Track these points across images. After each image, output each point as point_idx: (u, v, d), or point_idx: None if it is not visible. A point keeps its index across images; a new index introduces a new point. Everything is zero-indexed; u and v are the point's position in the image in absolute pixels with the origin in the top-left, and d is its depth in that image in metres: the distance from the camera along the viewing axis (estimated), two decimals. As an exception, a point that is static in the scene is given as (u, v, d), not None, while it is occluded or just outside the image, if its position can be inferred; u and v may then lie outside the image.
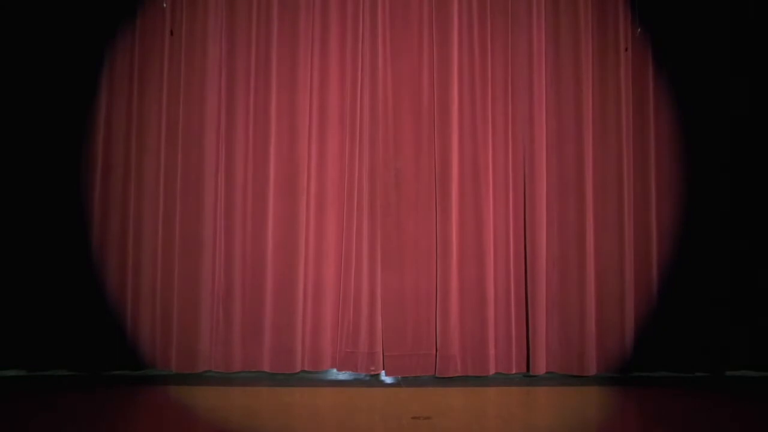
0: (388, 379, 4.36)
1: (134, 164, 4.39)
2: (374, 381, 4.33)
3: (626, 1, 4.60)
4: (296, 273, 4.35)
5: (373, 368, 4.32)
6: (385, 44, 4.48)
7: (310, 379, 4.33)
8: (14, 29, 4.32)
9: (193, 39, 4.45)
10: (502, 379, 4.33)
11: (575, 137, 4.49)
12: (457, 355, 4.33)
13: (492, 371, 4.34)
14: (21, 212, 4.27)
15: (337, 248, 4.42)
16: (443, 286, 4.35)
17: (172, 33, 4.43)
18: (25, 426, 3.14)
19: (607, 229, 4.48)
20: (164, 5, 4.42)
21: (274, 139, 4.42)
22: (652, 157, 4.54)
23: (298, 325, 4.33)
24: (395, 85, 4.45)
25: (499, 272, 4.42)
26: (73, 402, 3.64)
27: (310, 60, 4.48)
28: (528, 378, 4.36)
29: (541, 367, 4.34)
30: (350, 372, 4.37)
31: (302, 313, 4.35)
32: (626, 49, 4.56)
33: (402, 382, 4.32)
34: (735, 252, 4.49)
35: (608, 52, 4.57)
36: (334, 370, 4.40)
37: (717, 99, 4.56)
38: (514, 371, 4.38)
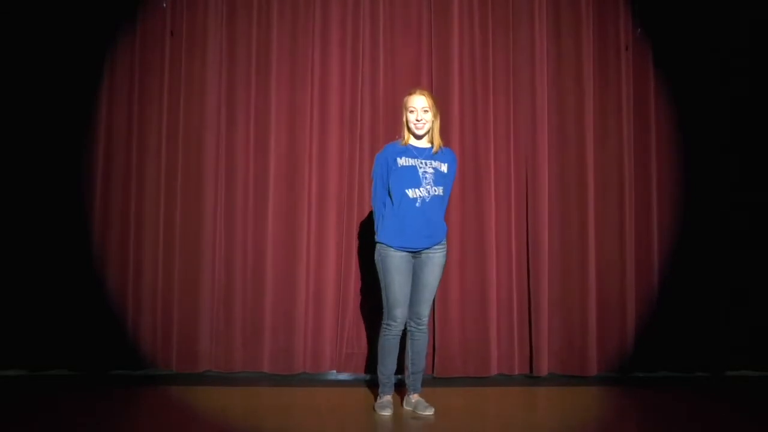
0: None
1: (135, 164, 4.39)
2: (375, 382, 4.32)
3: (626, 0, 4.61)
4: (297, 273, 4.35)
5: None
6: (386, 42, 4.48)
7: (310, 379, 4.32)
8: (14, 29, 4.31)
9: (193, 39, 4.45)
10: (504, 380, 4.33)
11: (576, 137, 4.50)
12: (457, 355, 4.33)
13: (494, 372, 4.34)
14: (21, 212, 4.27)
15: (338, 248, 4.42)
16: (444, 286, 4.34)
17: (172, 34, 4.43)
18: (25, 426, 3.13)
19: (608, 228, 4.49)
20: (164, 5, 4.42)
21: (274, 139, 4.42)
22: (653, 156, 4.56)
23: (299, 325, 4.33)
24: (395, 84, 4.45)
25: (501, 272, 4.42)
26: (74, 402, 3.64)
27: (310, 60, 4.48)
28: (530, 379, 4.37)
29: (543, 368, 4.34)
30: (351, 373, 4.38)
31: (303, 314, 4.35)
32: (626, 49, 4.56)
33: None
34: (735, 251, 4.51)
35: (609, 51, 4.57)
36: (335, 371, 4.41)
37: (718, 98, 4.57)
38: (516, 372, 4.39)
